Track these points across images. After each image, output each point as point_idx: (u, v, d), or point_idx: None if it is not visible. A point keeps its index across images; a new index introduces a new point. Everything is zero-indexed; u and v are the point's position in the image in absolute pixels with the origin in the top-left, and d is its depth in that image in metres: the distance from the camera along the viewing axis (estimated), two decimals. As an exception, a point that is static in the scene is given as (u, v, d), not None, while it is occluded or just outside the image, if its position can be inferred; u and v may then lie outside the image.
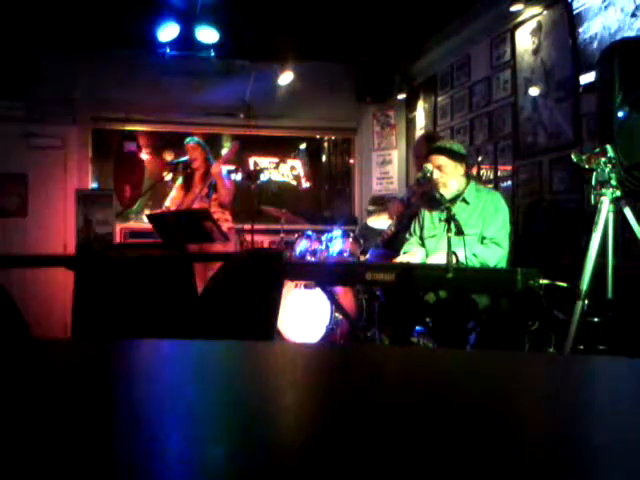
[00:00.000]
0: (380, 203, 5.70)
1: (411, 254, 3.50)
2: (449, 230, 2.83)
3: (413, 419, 0.53)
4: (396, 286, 3.14)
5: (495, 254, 3.26)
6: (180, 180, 4.80)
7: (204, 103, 6.28)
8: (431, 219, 3.55)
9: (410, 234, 3.70)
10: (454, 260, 2.84)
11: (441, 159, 3.40)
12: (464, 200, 3.41)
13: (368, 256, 4.53)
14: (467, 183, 3.45)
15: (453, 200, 3.40)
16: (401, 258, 3.51)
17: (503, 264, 3.28)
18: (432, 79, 5.99)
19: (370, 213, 5.72)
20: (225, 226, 4.31)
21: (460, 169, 3.41)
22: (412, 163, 6.43)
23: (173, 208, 4.63)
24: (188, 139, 4.82)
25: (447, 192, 3.37)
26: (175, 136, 7.08)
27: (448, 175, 3.39)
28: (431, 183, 3.44)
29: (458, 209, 3.37)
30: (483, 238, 3.32)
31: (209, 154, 4.74)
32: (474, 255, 3.18)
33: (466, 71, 5.34)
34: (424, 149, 4.09)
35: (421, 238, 3.60)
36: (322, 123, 6.86)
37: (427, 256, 3.48)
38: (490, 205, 3.38)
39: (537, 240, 4.09)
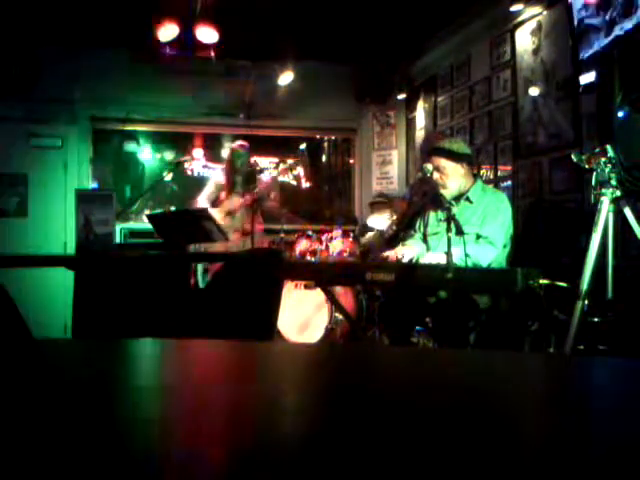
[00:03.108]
0: (382, 200, 5.68)
1: (408, 247, 3.51)
2: (449, 230, 2.83)
3: (413, 419, 0.53)
4: (396, 286, 3.13)
5: (488, 253, 3.21)
6: (224, 180, 4.83)
7: (204, 103, 6.27)
8: (435, 217, 3.55)
9: (415, 230, 3.71)
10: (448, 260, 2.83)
11: (441, 160, 3.39)
12: (468, 199, 3.40)
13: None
14: (473, 182, 3.45)
15: (457, 199, 3.40)
16: (398, 249, 3.51)
17: (496, 264, 3.24)
18: (432, 79, 5.98)
19: (372, 206, 5.71)
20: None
21: (461, 169, 3.40)
22: (412, 163, 6.44)
23: (219, 209, 4.60)
24: (236, 143, 4.93)
25: (447, 193, 3.38)
26: (175, 136, 7.10)
27: (448, 176, 3.38)
28: (432, 182, 3.44)
29: (462, 208, 3.36)
30: (479, 237, 3.30)
31: (248, 157, 4.84)
32: (467, 255, 3.17)
33: (466, 71, 5.34)
34: (428, 148, 4.11)
35: (424, 235, 3.60)
36: (322, 123, 6.85)
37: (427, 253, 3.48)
38: (492, 205, 3.36)
39: (537, 240, 4.08)
